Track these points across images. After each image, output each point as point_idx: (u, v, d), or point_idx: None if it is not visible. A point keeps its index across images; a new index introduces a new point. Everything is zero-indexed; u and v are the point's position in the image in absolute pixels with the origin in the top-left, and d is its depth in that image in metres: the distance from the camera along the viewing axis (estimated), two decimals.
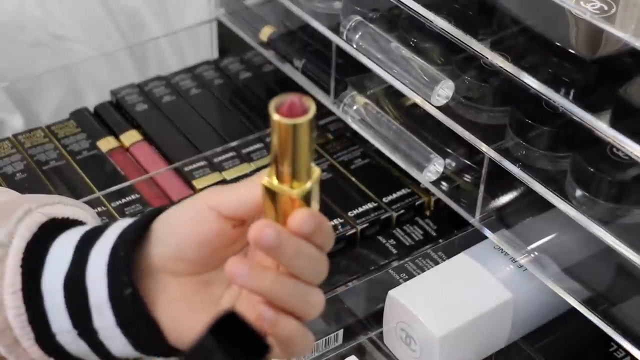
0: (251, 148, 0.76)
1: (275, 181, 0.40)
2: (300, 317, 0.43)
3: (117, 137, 0.78)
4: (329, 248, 0.44)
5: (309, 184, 0.40)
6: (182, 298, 0.45)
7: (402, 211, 0.71)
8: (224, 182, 0.73)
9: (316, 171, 0.41)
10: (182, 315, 0.45)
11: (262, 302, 0.42)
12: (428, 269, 0.66)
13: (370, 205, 0.71)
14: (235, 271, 0.42)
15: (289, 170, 0.40)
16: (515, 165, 0.58)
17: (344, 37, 0.68)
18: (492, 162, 0.60)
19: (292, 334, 0.43)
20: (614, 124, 0.51)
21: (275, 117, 0.38)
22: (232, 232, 0.44)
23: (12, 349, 0.46)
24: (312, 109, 0.38)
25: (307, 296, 0.43)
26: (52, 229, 0.47)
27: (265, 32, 0.79)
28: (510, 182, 0.60)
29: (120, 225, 0.46)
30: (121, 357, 0.47)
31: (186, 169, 0.74)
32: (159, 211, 0.46)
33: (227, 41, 0.89)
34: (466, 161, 0.64)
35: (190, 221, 0.44)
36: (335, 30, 0.69)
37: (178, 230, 0.44)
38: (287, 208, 0.41)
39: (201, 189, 0.72)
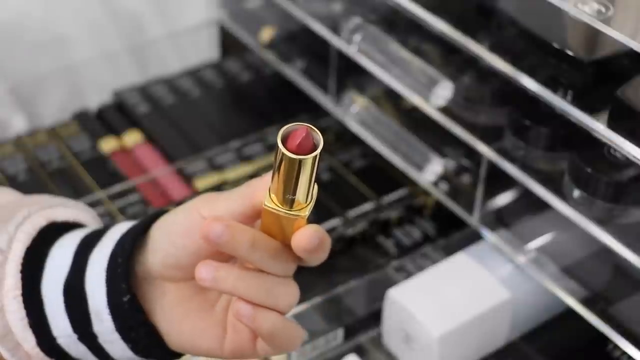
0: (251, 148, 0.77)
1: (275, 201, 0.40)
2: (274, 309, 0.43)
3: (119, 138, 0.78)
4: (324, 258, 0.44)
5: (311, 205, 0.40)
6: (179, 303, 0.45)
7: (401, 211, 0.71)
8: (224, 183, 0.74)
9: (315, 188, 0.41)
10: (180, 320, 0.45)
11: (240, 300, 0.43)
12: (427, 268, 0.66)
13: (369, 206, 0.71)
14: (200, 275, 0.42)
15: (291, 195, 0.40)
16: (514, 166, 0.59)
17: (344, 39, 0.68)
18: (490, 162, 0.60)
19: (273, 327, 0.43)
20: (611, 125, 0.52)
21: (282, 149, 0.38)
22: None
23: (14, 352, 0.47)
24: (321, 144, 0.38)
25: (274, 289, 0.43)
26: (52, 232, 0.48)
27: (266, 34, 0.79)
28: (509, 182, 0.60)
29: (119, 230, 0.46)
30: None
31: (187, 169, 0.75)
32: (157, 216, 0.46)
33: (228, 42, 0.89)
34: (465, 162, 0.65)
35: (185, 231, 0.44)
36: (335, 31, 0.69)
37: (174, 239, 0.44)
38: (287, 226, 0.41)
39: (202, 191, 0.73)
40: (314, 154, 0.38)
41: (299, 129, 0.38)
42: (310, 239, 0.41)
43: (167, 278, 0.45)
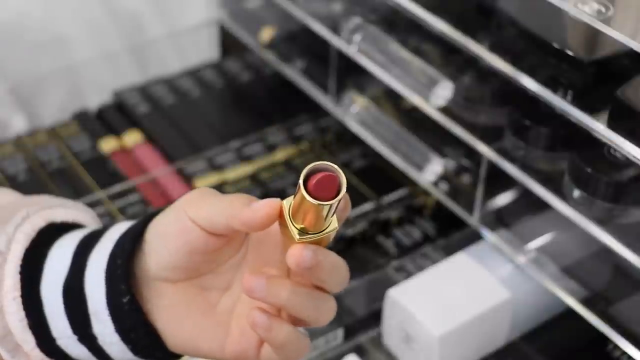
0: (251, 148, 0.77)
1: (309, 231, 0.40)
2: (310, 324, 0.43)
3: (119, 138, 0.78)
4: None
5: (334, 224, 0.40)
6: (179, 303, 0.45)
7: (401, 211, 0.71)
8: (224, 183, 0.74)
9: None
10: (180, 320, 0.45)
11: (256, 308, 0.42)
12: (427, 268, 0.66)
13: (369, 206, 0.71)
14: (252, 285, 0.42)
15: (314, 227, 0.40)
16: (514, 166, 0.59)
17: (344, 39, 0.68)
18: (490, 162, 0.60)
19: (287, 338, 0.43)
20: (611, 125, 0.52)
21: (304, 193, 0.37)
22: (221, 238, 0.44)
23: (14, 354, 0.47)
24: (343, 189, 0.38)
25: (322, 305, 0.43)
26: (51, 233, 0.48)
27: (266, 34, 0.79)
28: (509, 182, 0.60)
29: (118, 230, 0.46)
30: None
31: (187, 169, 0.75)
32: (155, 215, 0.46)
33: (228, 42, 0.89)
34: (465, 161, 0.65)
35: (177, 233, 0.43)
36: (335, 31, 0.69)
37: (168, 241, 0.44)
38: (326, 241, 0.41)
39: None
40: (336, 200, 0.38)
41: (322, 171, 0.38)
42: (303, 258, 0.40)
43: (165, 279, 0.45)
